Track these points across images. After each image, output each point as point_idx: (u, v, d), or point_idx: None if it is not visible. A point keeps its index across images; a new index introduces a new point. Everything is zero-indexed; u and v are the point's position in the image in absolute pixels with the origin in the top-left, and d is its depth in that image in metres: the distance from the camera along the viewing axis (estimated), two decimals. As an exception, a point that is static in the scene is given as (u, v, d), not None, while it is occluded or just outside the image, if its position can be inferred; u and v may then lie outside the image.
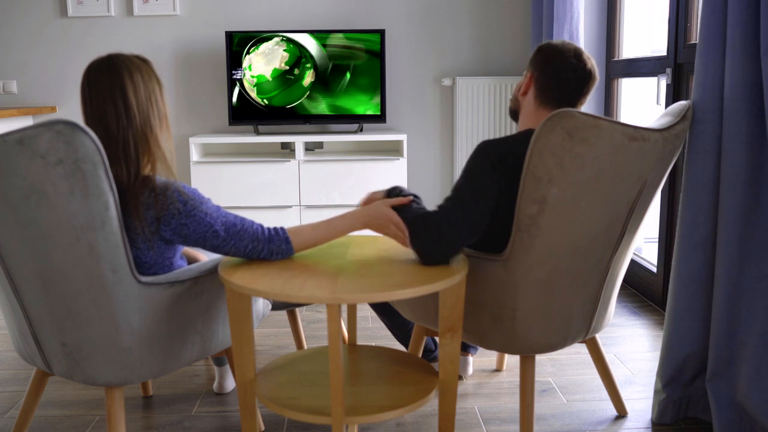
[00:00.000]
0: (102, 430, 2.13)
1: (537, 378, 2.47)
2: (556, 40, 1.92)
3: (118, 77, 1.68)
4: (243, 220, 1.74)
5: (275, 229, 1.76)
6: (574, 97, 1.87)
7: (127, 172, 1.68)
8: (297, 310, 2.52)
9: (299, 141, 3.84)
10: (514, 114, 2.00)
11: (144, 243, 1.70)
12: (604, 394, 2.33)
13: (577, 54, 1.86)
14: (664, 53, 3.04)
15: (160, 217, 1.67)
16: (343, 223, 1.77)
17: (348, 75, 3.93)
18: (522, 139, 1.81)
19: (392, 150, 4.16)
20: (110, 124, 1.68)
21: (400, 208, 1.80)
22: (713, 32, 1.91)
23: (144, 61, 1.76)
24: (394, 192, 1.88)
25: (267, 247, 1.74)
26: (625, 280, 3.54)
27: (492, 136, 4.12)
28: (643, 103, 3.70)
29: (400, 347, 2.73)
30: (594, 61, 1.89)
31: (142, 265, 1.74)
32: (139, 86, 1.70)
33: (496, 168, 1.76)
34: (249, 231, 1.73)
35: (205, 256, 2.18)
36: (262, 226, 1.75)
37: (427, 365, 1.88)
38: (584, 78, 1.86)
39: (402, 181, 3.86)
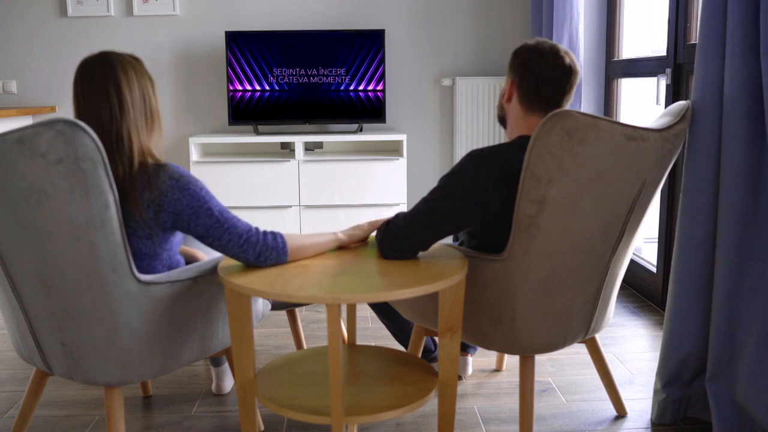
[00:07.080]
0: (101, 430, 2.13)
1: (537, 378, 2.47)
2: (530, 40, 1.88)
3: (113, 72, 1.71)
4: (240, 219, 1.78)
5: (271, 231, 1.78)
6: (558, 96, 1.85)
7: (122, 166, 1.69)
8: (297, 310, 2.52)
9: (299, 141, 3.84)
10: (503, 120, 1.97)
11: (144, 231, 1.71)
12: (604, 394, 2.33)
13: (553, 52, 1.83)
14: (664, 53, 3.04)
15: (155, 197, 1.68)
16: (326, 238, 1.88)
17: (347, 75, 3.93)
18: (515, 147, 1.81)
19: (392, 150, 4.16)
20: (103, 119, 1.70)
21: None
22: (713, 32, 1.91)
23: (136, 60, 1.79)
24: None
25: (263, 241, 1.73)
26: (624, 280, 3.54)
27: (491, 136, 4.11)
28: (642, 103, 3.70)
29: (400, 347, 2.73)
30: (573, 55, 1.87)
31: (142, 257, 1.74)
32: (133, 82, 1.74)
33: (483, 176, 1.76)
34: (244, 223, 1.75)
35: (205, 256, 2.18)
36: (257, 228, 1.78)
37: (427, 365, 1.88)
38: (565, 75, 1.83)
39: (401, 181, 3.86)
